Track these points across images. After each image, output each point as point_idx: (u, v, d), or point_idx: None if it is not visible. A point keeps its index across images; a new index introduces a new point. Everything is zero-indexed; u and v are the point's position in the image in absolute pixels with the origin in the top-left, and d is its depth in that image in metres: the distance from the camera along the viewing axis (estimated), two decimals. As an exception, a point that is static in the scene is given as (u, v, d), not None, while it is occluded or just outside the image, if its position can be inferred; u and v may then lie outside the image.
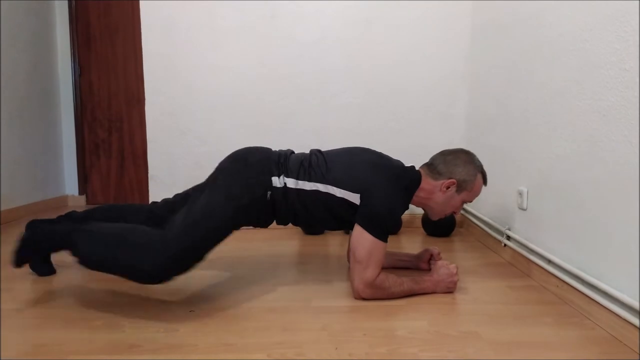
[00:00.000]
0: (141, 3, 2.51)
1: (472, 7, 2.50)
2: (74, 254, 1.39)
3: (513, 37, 1.94)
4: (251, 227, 1.56)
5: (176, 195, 1.69)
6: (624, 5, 1.21)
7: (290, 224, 1.58)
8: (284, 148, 2.54)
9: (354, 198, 1.46)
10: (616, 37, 1.24)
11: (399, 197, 1.48)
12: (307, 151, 1.66)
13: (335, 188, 1.47)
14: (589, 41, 1.37)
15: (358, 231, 1.43)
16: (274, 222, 1.56)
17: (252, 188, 1.46)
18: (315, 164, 1.52)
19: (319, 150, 1.61)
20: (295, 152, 1.65)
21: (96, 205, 1.74)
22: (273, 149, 1.61)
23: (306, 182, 1.48)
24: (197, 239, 1.37)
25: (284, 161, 1.52)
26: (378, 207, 1.43)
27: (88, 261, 1.39)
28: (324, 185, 1.47)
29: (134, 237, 1.37)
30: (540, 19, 1.68)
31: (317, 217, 1.52)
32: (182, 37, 2.52)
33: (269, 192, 1.47)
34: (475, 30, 2.46)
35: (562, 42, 1.53)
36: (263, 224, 1.56)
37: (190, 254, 1.37)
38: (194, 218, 1.40)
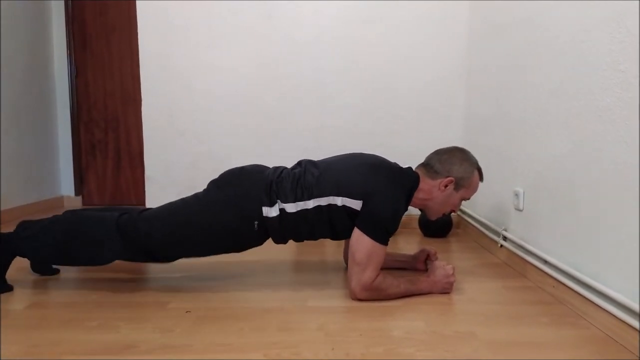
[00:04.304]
0: (138, 3, 2.50)
1: (468, 8, 2.50)
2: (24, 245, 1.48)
3: (509, 38, 1.95)
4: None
5: None
6: (619, 6, 1.21)
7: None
8: (281, 149, 2.57)
9: (356, 205, 1.43)
10: (611, 38, 1.25)
11: (400, 199, 1.47)
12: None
13: (336, 197, 1.44)
14: (585, 42, 1.38)
15: (358, 233, 1.42)
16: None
17: (232, 225, 1.45)
18: (311, 180, 1.47)
19: (312, 163, 1.56)
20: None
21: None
22: (265, 169, 1.56)
23: (307, 202, 1.44)
24: (162, 229, 1.46)
25: (277, 187, 1.46)
26: (380, 211, 1.42)
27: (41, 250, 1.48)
28: (326, 198, 1.44)
29: (97, 217, 1.49)
30: (537, 20, 1.69)
31: (318, 233, 1.52)
32: (179, 37, 2.52)
33: (256, 223, 1.44)
34: (472, 31, 2.47)
35: (558, 43, 1.54)
36: (253, 246, 1.55)
37: (155, 241, 1.47)
38: (165, 211, 1.49)
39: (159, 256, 1.52)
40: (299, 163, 1.59)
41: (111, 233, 1.44)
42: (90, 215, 1.52)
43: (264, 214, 1.44)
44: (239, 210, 1.45)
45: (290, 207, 1.44)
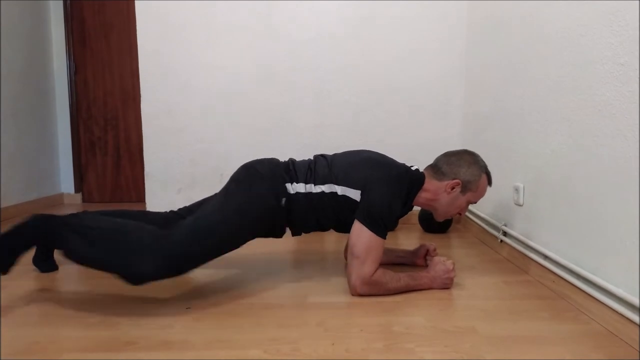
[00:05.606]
0: (136, 1, 2.49)
1: (467, 4, 2.49)
2: (61, 245, 1.35)
3: (508, 34, 1.94)
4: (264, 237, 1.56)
5: (187, 207, 1.69)
6: (618, 0, 1.21)
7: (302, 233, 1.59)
8: (280, 146, 2.57)
9: (355, 195, 1.46)
10: (611, 31, 1.24)
11: (398, 194, 1.48)
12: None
13: (336, 186, 1.48)
14: (584, 36, 1.37)
15: (357, 227, 1.43)
16: (289, 232, 1.57)
17: (264, 199, 1.46)
18: (320, 167, 1.53)
19: (323, 156, 1.62)
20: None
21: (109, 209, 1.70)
22: (280, 159, 1.62)
23: (312, 186, 1.49)
24: (198, 248, 1.36)
25: (292, 167, 1.54)
26: (377, 203, 1.43)
27: (76, 254, 1.34)
28: (328, 185, 1.49)
29: (135, 234, 1.35)
30: (535, 15, 1.68)
31: (324, 222, 1.54)
32: (177, 35, 2.51)
33: (283, 199, 1.47)
34: (471, 28, 2.46)
35: (557, 38, 1.53)
36: (278, 233, 1.56)
37: (191, 260, 1.37)
38: (201, 225, 1.39)
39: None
40: (314, 157, 1.64)
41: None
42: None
43: (287, 191, 1.48)
44: (267, 186, 1.47)
45: (300, 188, 1.49)
